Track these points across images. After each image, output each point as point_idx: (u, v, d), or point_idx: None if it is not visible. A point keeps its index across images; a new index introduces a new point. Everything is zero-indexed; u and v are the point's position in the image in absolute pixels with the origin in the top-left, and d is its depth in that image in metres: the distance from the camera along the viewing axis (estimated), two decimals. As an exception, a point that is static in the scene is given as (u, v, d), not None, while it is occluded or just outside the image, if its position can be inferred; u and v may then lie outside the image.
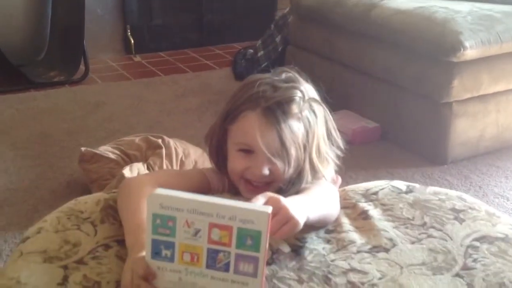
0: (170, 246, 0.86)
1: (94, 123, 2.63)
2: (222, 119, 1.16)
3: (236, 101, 1.14)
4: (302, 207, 0.98)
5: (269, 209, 0.83)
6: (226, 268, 0.85)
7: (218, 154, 1.20)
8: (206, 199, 0.85)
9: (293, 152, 1.10)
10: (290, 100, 1.09)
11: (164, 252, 0.86)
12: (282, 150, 1.09)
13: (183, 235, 0.85)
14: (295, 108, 1.10)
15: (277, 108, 1.09)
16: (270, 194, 0.96)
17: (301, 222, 0.96)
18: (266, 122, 1.09)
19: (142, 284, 0.87)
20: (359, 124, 2.49)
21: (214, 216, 0.83)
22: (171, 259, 0.87)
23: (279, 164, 1.10)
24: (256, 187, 1.13)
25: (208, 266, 0.86)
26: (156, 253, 0.87)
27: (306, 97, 1.12)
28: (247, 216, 0.82)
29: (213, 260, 0.85)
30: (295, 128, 1.10)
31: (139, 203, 1.03)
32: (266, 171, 1.11)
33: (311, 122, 1.12)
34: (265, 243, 0.83)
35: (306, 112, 1.12)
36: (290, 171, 1.12)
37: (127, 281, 0.89)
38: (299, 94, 1.11)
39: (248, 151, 1.12)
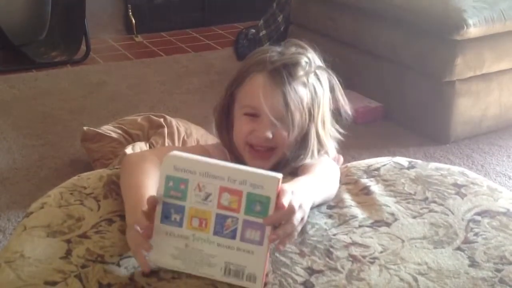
0: (180, 210, 0.87)
1: (96, 103, 2.64)
2: (230, 85, 1.18)
3: (244, 66, 1.16)
4: (308, 193, 0.97)
5: (280, 175, 0.84)
6: (233, 235, 0.86)
7: (223, 125, 1.20)
8: (219, 162, 0.86)
9: (297, 115, 1.11)
10: (295, 62, 1.11)
11: (174, 216, 0.88)
12: (286, 112, 1.10)
13: (193, 198, 0.86)
14: (300, 71, 1.11)
15: (283, 69, 1.10)
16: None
17: (307, 210, 0.94)
18: (271, 83, 1.10)
19: (145, 243, 0.88)
20: (362, 104, 2.48)
21: (226, 179, 0.84)
22: (180, 223, 0.88)
23: (282, 127, 1.11)
24: (259, 152, 1.14)
25: (215, 233, 0.87)
26: (165, 217, 0.88)
27: (313, 65, 1.13)
28: (257, 181, 0.83)
29: (221, 226, 0.86)
30: (300, 91, 1.11)
31: (141, 179, 1.04)
32: (269, 135, 1.12)
33: (318, 91, 1.13)
34: (272, 210, 0.84)
35: (312, 79, 1.13)
36: (293, 135, 1.12)
37: (133, 242, 0.90)
38: (305, 59, 1.13)
39: (253, 115, 1.13)
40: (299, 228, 0.91)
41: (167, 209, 0.88)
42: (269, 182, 0.84)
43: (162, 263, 0.90)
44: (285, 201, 0.85)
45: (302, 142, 1.15)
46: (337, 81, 1.18)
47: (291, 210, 0.87)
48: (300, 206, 0.89)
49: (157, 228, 0.89)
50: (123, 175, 1.11)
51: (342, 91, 1.20)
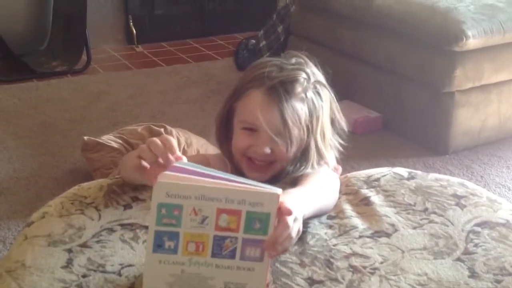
0: (174, 237, 0.84)
1: (97, 113, 2.64)
2: (229, 97, 1.18)
3: (243, 79, 1.16)
4: (301, 205, 0.96)
5: (279, 190, 0.83)
6: (232, 255, 0.84)
7: (222, 136, 1.21)
8: (215, 181, 0.83)
9: (295, 132, 1.11)
10: (293, 80, 1.11)
11: (168, 243, 0.84)
12: (284, 129, 1.10)
13: (189, 224, 0.83)
14: (298, 87, 1.11)
15: (280, 87, 1.10)
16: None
17: (301, 221, 0.94)
18: (269, 100, 1.10)
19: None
20: (361, 114, 2.49)
21: (223, 201, 0.82)
22: (174, 250, 0.85)
23: (280, 143, 1.11)
24: (258, 165, 1.14)
25: (213, 255, 0.85)
26: (158, 246, 0.84)
27: (312, 79, 1.13)
28: (257, 199, 0.81)
29: (219, 247, 0.84)
30: (298, 108, 1.11)
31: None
32: (267, 150, 1.12)
33: (316, 105, 1.13)
34: (273, 226, 0.83)
35: (311, 94, 1.13)
36: (292, 150, 1.13)
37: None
38: (303, 75, 1.12)
39: (251, 130, 1.13)
40: (295, 241, 0.91)
41: (159, 237, 0.84)
42: (269, 199, 0.82)
43: None
44: (290, 220, 0.86)
45: (303, 155, 1.15)
46: (334, 96, 1.18)
47: (289, 226, 0.86)
48: (295, 220, 0.89)
49: (149, 258, 0.85)
50: (122, 164, 1.15)
51: (338, 106, 1.20)
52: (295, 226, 0.88)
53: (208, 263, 0.85)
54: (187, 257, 0.85)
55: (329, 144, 1.18)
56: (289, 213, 0.86)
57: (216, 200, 0.82)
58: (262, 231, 0.83)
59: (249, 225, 0.83)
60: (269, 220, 0.82)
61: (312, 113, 1.13)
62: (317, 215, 1.09)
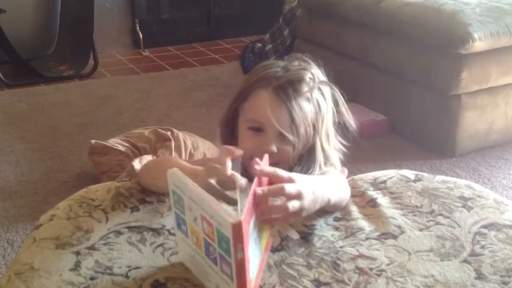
0: (184, 223, 0.89)
1: (104, 117, 2.65)
2: (235, 99, 1.19)
3: (249, 81, 1.18)
4: (315, 187, 0.98)
5: (234, 220, 0.77)
6: (215, 262, 0.85)
7: (228, 140, 1.21)
8: (201, 190, 0.84)
9: (302, 130, 1.13)
10: (300, 79, 1.13)
11: (183, 226, 0.90)
12: (292, 126, 1.12)
13: (188, 217, 0.87)
14: (305, 87, 1.13)
15: (288, 86, 1.12)
16: (281, 173, 0.95)
17: (307, 204, 0.96)
18: (277, 99, 1.12)
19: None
20: (367, 117, 2.49)
21: (203, 210, 0.82)
22: (186, 234, 0.89)
23: (289, 138, 1.12)
24: None
25: (206, 254, 0.86)
26: (178, 225, 0.91)
27: (317, 80, 1.14)
28: (220, 219, 0.79)
29: (208, 250, 0.85)
30: (305, 107, 1.13)
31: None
32: (274, 148, 1.13)
33: (321, 106, 1.15)
34: (234, 252, 0.78)
35: (316, 94, 1.14)
36: (298, 149, 1.14)
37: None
38: (309, 75, 1.14)
39: (257, 130, 1.14)
40: (291, 217, 0.94)
41: (177, 218, 0.90)
42: (226, 224, 0.77)
43: (184, 262, 0.94)
44: (290, 187, 0.90)
45: (309, 155, 1.16)
46: (341, 95, 1.19)
47: (282, 190, 0.91)
48: (299, 197, 0.92)
49: (176, 233, 0.92)
50: (154, 169, 1.16)
51: (346, 105, 1.21)
52: (295, 203, 0.91)
53: (205, 260, 0.87)
54: (194, 246, 0.89)
55: (334, 146, 1.19)
56: (290, 180, 0.91)
57: (199, 207, 0.83)
58: (227, 252, 0.79)
59: (220, 241, 0.81)
60: (229, 244, 0.77)
61: (318, 113, 1.14)
62: (336, 208, 1.10)
